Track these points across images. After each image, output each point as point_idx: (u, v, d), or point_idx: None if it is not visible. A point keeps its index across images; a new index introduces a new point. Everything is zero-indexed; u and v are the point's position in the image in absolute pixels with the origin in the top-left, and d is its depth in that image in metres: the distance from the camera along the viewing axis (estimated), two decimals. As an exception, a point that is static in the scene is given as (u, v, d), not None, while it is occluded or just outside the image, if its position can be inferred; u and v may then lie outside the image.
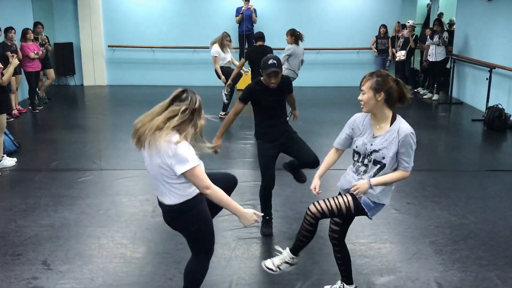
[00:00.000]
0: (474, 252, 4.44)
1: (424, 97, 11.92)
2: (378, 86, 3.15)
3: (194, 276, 3.37)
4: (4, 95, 6.53)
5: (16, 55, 7.00)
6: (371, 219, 3.47)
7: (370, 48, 12.82)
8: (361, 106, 3.26)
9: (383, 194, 3.31)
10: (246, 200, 5.47)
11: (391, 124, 3.21)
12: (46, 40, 10.52)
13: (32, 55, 9.59)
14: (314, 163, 4.59)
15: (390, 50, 12.45)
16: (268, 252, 4.46)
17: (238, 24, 12.26)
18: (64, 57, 12.76)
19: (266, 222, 4.79)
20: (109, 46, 12.98)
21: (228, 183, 3.55)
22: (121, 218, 5.11)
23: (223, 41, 9.36)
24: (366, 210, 3.33)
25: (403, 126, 3.19)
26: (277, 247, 3.69)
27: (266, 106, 4.56)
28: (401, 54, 11.83)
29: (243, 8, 12.04)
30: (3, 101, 6.43)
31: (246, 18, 12.07)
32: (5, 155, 6.67)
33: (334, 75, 13.06)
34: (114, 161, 7.01)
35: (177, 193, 3.07)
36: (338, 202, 3.33)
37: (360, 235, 4.73)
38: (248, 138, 8.00)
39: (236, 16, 12.25)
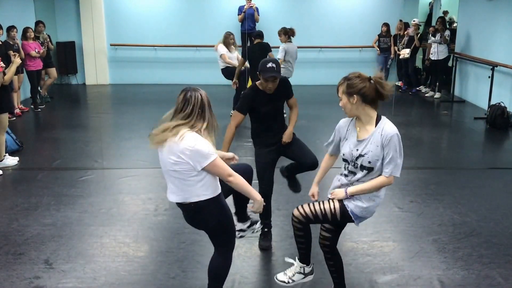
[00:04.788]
0: (477, 250, 4.44)
1: (426, 95, 11.89)
2: (349, 90, 3.07)
3: (217, 271, 3.42)
4: (6, 94, 6.53)
5: (18, 54, 7.00)
6: (357, 225, 3.36)
7: (373, 47, 12.79)
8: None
9: (373, 206, 3.22)
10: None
11: (376, 126, 3.11)
12: (48, 39, 10.53)
13: (33, 53, 9.60)
14: (313, 164, 4.32)
15: (392, 48, 12.43)
16: (271, 252, 4.45)
17: (240, 23, 12.26)
18: (66, 56, 12.76)
19: (265, 234, 4.42)
20: (111, 45, 12.98)
21: (246, 173, 3.59)
22: (124, 217, 5.11)
23: (227, 41, 9.38)
24: (353, 218, 3.22)
25: (387, 127, 3.07)
26: (287, 259, 3.62)
27: (265, 113, 4.26)
28: (405, 52, 11.81)
29: (245, 7, 12.02)
30: (5, 100, 6.43)
31: (248, 17, 12.06)
32: (7, 154, 6.68)
33: (336, 73, 12.85)
34: (116, 160, 7.01)
35: (196, 191, 3.10)
36: (324, 207, 3.22)
37: (363, 233, 4.72)
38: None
39: (238, 14, 12.24)
